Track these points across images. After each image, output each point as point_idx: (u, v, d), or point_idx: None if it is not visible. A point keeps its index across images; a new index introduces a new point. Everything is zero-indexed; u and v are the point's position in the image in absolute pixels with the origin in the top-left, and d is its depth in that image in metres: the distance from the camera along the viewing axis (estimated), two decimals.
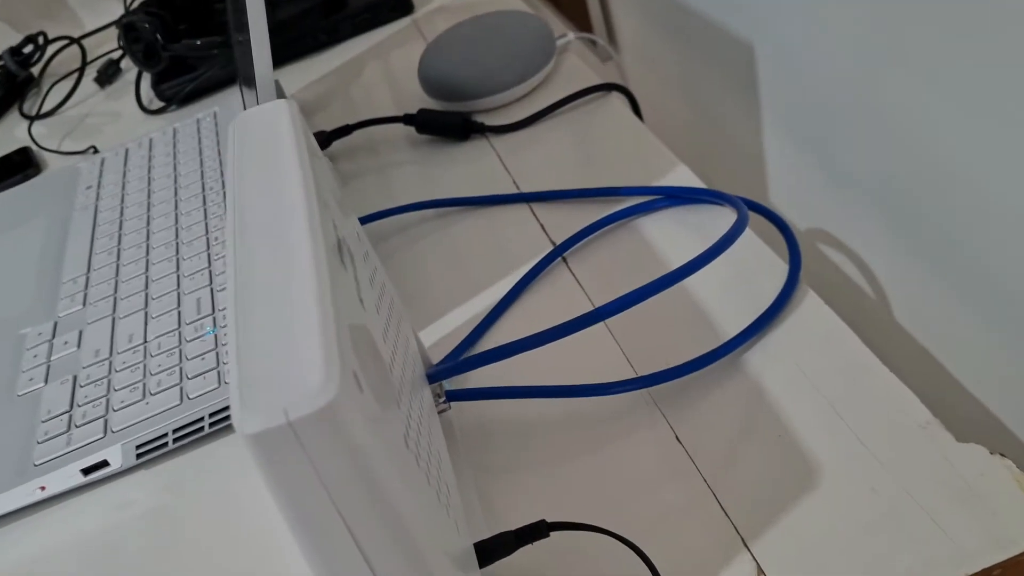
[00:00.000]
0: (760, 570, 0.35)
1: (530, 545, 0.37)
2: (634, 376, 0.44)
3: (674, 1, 0.68)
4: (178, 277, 0.58)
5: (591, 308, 0.49)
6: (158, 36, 0.85)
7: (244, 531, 0.44)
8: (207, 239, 0.61)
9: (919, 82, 0.44)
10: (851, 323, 0.44)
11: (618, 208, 0.55)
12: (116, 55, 1.01)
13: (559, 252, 0.53)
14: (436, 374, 0.41)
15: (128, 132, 0.86)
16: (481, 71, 0.67)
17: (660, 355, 0.45)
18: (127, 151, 0.77)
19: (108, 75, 0.99)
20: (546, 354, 0.47)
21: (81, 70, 0.97)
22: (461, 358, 0.42)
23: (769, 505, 0.37)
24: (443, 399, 0.42)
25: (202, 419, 0.48)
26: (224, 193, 0.65)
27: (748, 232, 0.49)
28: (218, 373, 0.50)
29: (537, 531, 0.35)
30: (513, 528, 0.36)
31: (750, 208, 0.51)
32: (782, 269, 0.47)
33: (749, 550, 0.36)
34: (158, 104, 0.88)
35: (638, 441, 0.41)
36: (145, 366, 0.52)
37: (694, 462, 0.40)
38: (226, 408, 0.48)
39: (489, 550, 0.35)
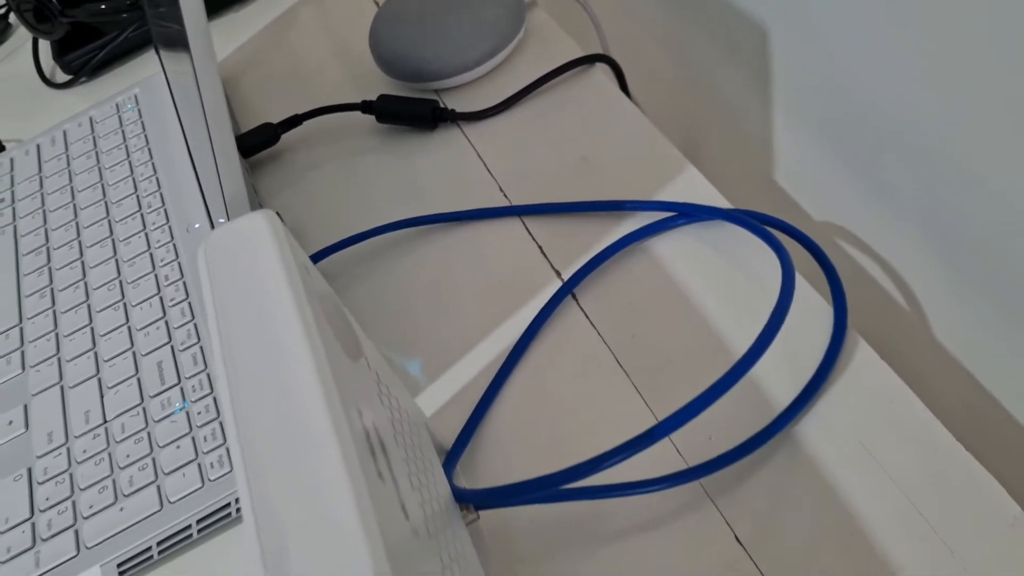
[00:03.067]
0: None
1: None
2: (683, 467, 0.40)
3: None
4: (130, 331, 0.51)
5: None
6: (54, 0, 0.73)
7: None
8: (156, 277, 0.54)
9: (969, 87, 0.39)
10: (880, 338, 0.40)
11: (624, 227, 0.49)
12: (2, 9, 0.88)
13: (568, 289, 0.47)
14: (466, 497, 0.36)
15: (33, 110, 0.76)
16: (445, 48, 0.59)
17: (702, 430, 0.41)
18: (39, 148, 0.67)
19: None
20: (572, 424, 0.42)
21: None
22: (500, 486, 0.37)
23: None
24: (474, 513, 0.37)
25: (189, 527, 0.43)
26: (176, 260, 0.57)
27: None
28: (199, 466, 0.44)
29: None
30: None
31: (779, 229, 0.46)
32: (823, 309, 0.43)
33: None
34: (63, 76, 0.77)
35: (692, 542, 0.38)
36: (111, 456, 0.46)
37: (755, 561, 0.36)
38: (215, 512, 0.43)
39: None
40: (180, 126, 0.63)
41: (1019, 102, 0.36)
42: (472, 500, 0.36)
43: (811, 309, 0.43)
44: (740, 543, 0.37)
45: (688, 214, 0.48)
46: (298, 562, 0.22)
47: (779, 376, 0.41)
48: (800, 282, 0.44)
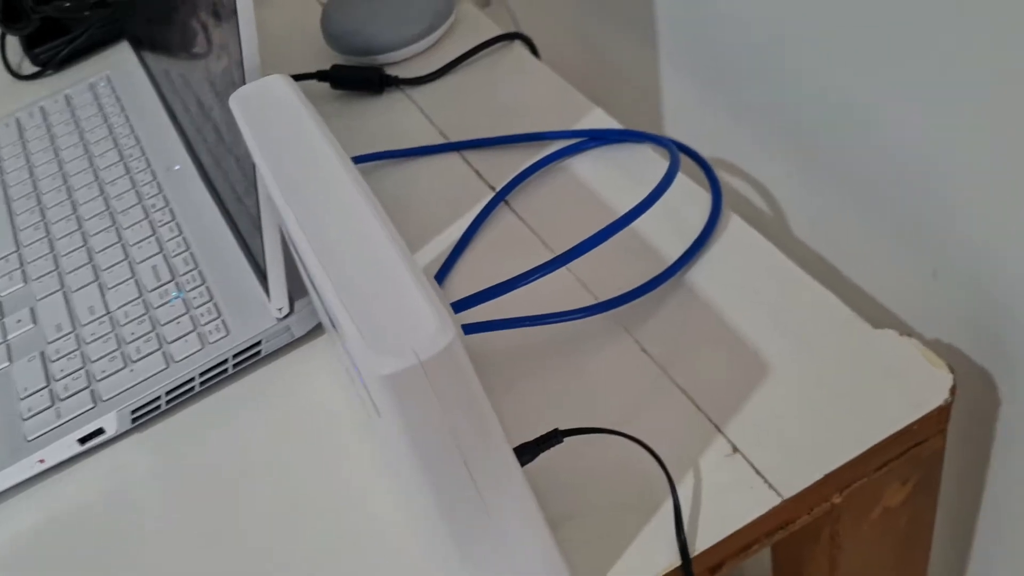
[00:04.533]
0: (735, 448, 0.43)
1: (548, 451, 0.42)
2: (597, 302, 0.50)
3: None
4: (123, 247, 0.59)
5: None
6: None
7: (243, 473, 0.47)
8: (143, 207, 0.62)
9: (813, 21, 0.51)
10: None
11: (547, 151, 0.60)
12: None
13: (501, 196, 0.58)
14: None
15: (2, 98, 0.83)
16: (389, 25, 0.70)
17: (613, 283, 0.51)
18: (18, 121, 0.75)
19: None
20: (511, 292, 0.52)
21: None
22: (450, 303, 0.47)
23: (733, 396, 0.45)
24: None
25: (192, 379, 0.51)
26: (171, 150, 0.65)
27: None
28: (198, 335, 0.52)
29: (553, 438, 0.41)
30: (528, 439, 0.41)
31: (662, 145, 0.57)
32: (703, 197, 0.54)
33: (724, 434, 0.43)
34: (31, 68, 0.85)
35: (612, 357, 0.48)
36: (117, 336, 0.53)
37: (663, 369, 0.47)
38: (215, 367, 0.51)
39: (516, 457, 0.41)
40: (157, 91, 0.72)
41: (858, 27, 0.49)
42: None
43: (695, 198, 0.55)
44: (655, 361, 0.47)
45: (596, 138, 0.59)
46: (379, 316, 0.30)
47: (673, 243, 0.52)
48: (685, 179, 0.56)
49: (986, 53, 0.40)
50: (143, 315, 0.54)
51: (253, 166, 0.46)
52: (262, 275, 0.51)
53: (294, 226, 0.34)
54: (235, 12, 0.41)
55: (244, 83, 0.43)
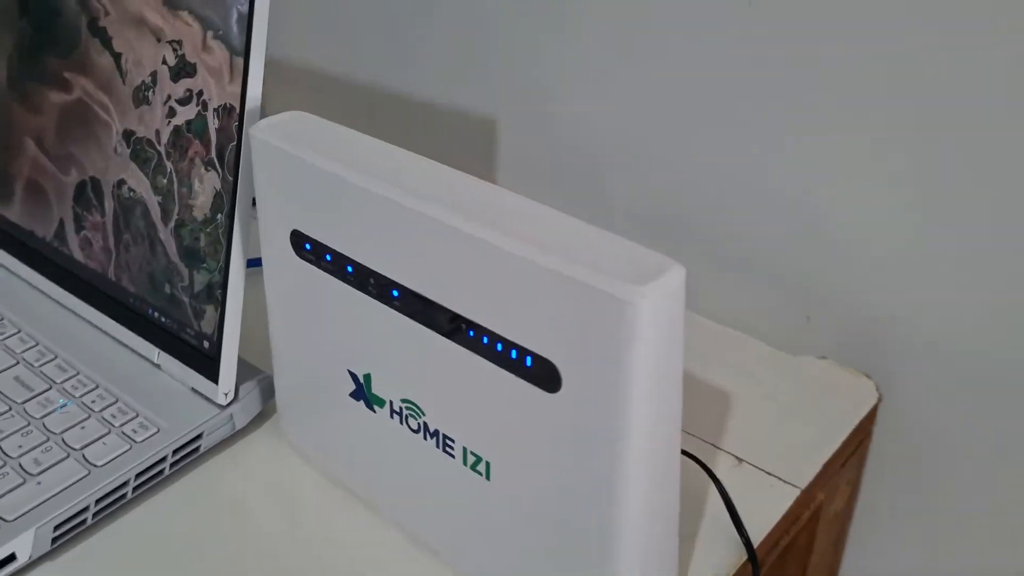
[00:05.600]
0: (739, 459, 0.46)
1: None
2: None
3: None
4: None
5: None
6: None
7: None
8: None
9: (667, 118, 0.60)
10: None
11: None
12: None
13: None
14: None
15: None
16: None
17: None
18: None
19: None
20: None
21: None
22: None
23: (712, 421, 0.48)
24: None
25: (126, 483, 0.42)
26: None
27: None
28: (119, 435, 0.44)
29: None
30: None
31: None
32: None
33: (722, 449, 0.46)
34: None
35: None
36: None
37: None
38: (151, 468, 0.43)
39: None
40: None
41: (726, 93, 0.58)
42: None
43: None
44: None
45: None
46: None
47: None
48: None
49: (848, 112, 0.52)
50: (25, 426, 0.44)
51: (228, 221, 0.42)
52: (204, 357, 0.45)
53: (448, 216, 0.32)
54: (247, 49, 0.40)
55: (241, 124, 0.41)
